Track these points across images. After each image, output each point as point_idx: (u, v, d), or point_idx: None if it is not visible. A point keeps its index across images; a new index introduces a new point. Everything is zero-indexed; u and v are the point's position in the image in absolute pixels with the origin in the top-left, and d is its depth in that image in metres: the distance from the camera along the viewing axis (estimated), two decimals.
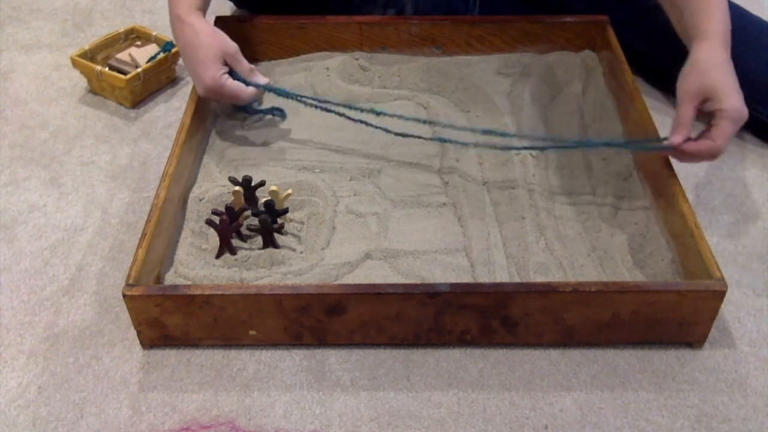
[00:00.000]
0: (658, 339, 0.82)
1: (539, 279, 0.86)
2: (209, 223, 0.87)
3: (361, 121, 1.00)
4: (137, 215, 0.97)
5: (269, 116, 1.09)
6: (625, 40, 1.13)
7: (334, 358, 0.82)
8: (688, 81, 0.88)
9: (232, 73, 0.99)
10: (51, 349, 0.83)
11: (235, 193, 0.90)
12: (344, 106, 1.00)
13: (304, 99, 1.01)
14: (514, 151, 1.03)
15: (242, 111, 1.08)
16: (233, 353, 0.82)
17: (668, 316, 0.80)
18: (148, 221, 0.84)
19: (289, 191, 0.91)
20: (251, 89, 1.00)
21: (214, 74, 0.97)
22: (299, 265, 0.87)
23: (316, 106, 1.01)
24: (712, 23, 0.90)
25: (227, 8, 1.32)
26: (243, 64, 1.00)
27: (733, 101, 0.85)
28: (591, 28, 1.18)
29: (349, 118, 1.00)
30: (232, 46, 0.99)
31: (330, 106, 1.00)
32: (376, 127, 1.00)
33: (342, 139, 1.06)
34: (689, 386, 0.79)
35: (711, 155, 0.86)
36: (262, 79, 1.02)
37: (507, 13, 1.19)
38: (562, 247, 0.90)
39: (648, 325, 0.80)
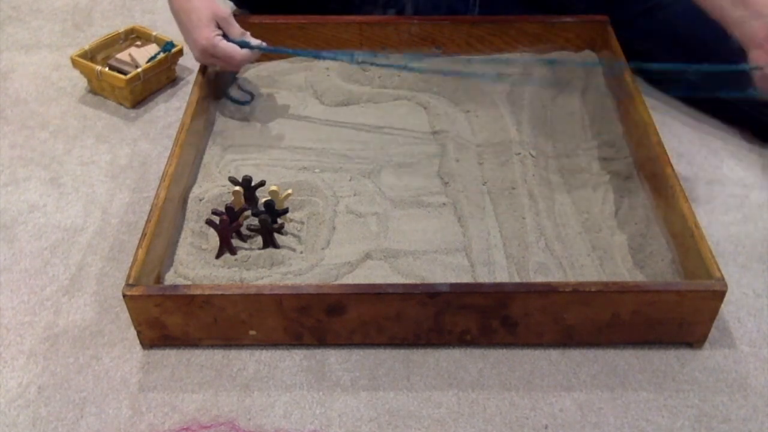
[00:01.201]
0: (658, 339, 0.82)
1: (539, 279, 0.86)
2: (209, 223, 0.87)
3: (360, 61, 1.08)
4: (137, 215, 0.97)
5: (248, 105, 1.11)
6: (625, 40, 1.13)
7: (334, 358, 0.82)
8: (759, 25, 0.88)
9: (225, 38, 1.01)
10: (51, 349, 0.83)
11: (235, 193, 0.90)
12: (342, 53, 1.09)
13: (300, 54, 1.12)
14: (514, 151, 1.03)
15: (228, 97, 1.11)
16: (233, 353, 0.82)
17: (668, 316, 0.80)
18: (148, 221, 0.84)
19: (289, 191, 0.91)
20: (245, 51, 1.02)
21: (208, 35, 0.99)
22: (299, 265, 0.87)
23: (316, 56, 1.13)
24: None
25: (227, 8, 1.31)
26: (235, 28, 1.02)
27: None
28: (591, 28, 1.18)
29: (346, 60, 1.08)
30: (224, 9, 1.01)
31: (325, 54, 1.11)
32: (371, 64, 1.12)
33: (342, 139, 1.06)
34: (689, 386, 0.79)
35: None
36: (254, 41, 1.03)
37: (507, 13, 1.19)
38: (562, 247, 0.90)
39: (648, 325, 0.80)
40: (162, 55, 1.16)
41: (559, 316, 0.79)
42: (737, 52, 1.09)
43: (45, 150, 1.08)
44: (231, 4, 1.31)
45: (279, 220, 0.91)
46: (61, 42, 1.30)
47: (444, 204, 0.96)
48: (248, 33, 1.03)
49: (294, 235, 0.91)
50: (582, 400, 0.78)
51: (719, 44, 1.10)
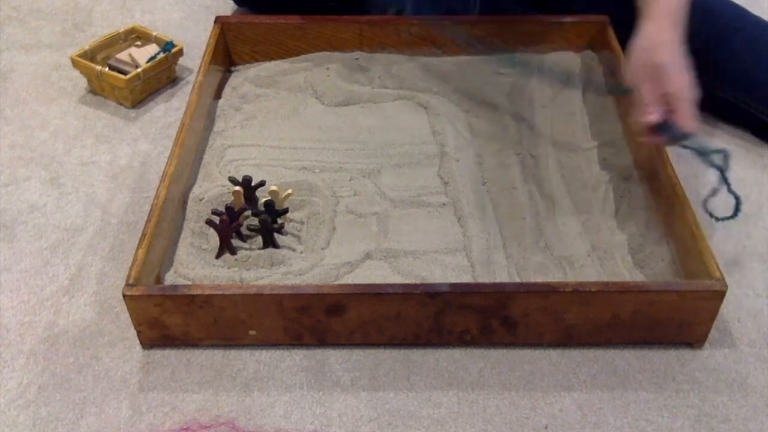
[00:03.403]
0: (658, 339, 0.82)
1: (539, 279, 0.86)
2: (209, 223, 0.87)
3: None
4: (137, 215, 0.97)
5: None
6: (625, 40, 1.13)
7: (334, 358, 0.82)
8: (636, 61, 0.87)
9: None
10: (51, 349, 0.83)
11: (235, 193, 0.90)
12: None
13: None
14: (514, 151, 1.03)
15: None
16: (233, 353, 0.82)
17: (668, 316, 0.80)
18: (148, 221, 0.84)
19: (289, 191, 0.91)
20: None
21: None
22: (299, 265, 0.87)
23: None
24: (667, 4, 0.89)
25: (228, 8, 1.32)
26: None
27: (678, 82, 0.83)
28: (591, 28, 1.18)
29: None
30: None
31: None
32: None
33: (342, 139, 1.06)
34: (689, 386, 0.79)
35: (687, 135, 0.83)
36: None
37: (507, 13, 1.19)
38: (562, 247, 0.90)
39: (648, 325, 0.80)
40: (162, 55, 1.16)
41: (559, 316, 0.79)
42: (737, 53, 1.10)
43: (45, 150, 1.08)
44: (231, 4, 1.31)
45: (279, 220, 0.91)
46: (61, 42, 1.30)
47: (444, 204, 0.96)
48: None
49: (294, 235, 0.91)
50: (582, 400, 0.78)
51: (719, 44, 1.11)
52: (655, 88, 0.84)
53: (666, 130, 0.84)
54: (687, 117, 0.83)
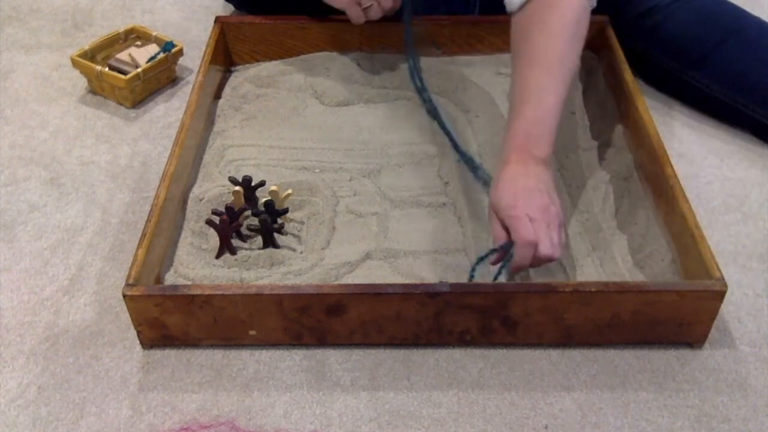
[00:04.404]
0: (658, 339, 0.82)
1: (539, 279, 0.86)
2: (209, 223, 0.87)
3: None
4: (137, 215, 0.97)
5: None
6: (625, 41, 1.13)
7: (334, 358, 0.82)
8: (489, 205, 0.84)
9: None
10: (51, 349, 0.83)
11: (235, 193, 0.90)
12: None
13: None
14: None
15: None
16: (233, 353, 0.82)
17: (668, 316, 0.80)
18: (148, 221, 0.84)
19: (289, 191, 0.92)
20: None
21: None
22: (299, 265, 0.87)
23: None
24: (511, 139, 0.85)
25: (228, 8, 1.32)
26: None
27: (509, 213, 0.79)
28: (591, 28, 1.17)
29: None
30: None
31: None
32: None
33: (342, 139, 1.06)
34: (689, 386, 0.79)
35: (528, 263, 0.80)
36: None
37: (507, 13, 1.19)
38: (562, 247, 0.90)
39: (648, 325, 0.80)
40: (162, 55, 1.16)
41: (559, 316, 0.79)
42: (736, 54, 1.10)
43: (45, 150, 1.08)
44: (231, 6, 1.31)
45: (279, 220, 0.91)
46: (61, 42, 1.30)
47: (444, 204, 0.96)
48: None
49: (294, 235, 0.91)
50: (582, 400, 0.78)
51: (718, 45, 1.11)
52: (502, 227, 0.81)
53: (505, 259, 0.80)
54: (521, 231, 0.78)
